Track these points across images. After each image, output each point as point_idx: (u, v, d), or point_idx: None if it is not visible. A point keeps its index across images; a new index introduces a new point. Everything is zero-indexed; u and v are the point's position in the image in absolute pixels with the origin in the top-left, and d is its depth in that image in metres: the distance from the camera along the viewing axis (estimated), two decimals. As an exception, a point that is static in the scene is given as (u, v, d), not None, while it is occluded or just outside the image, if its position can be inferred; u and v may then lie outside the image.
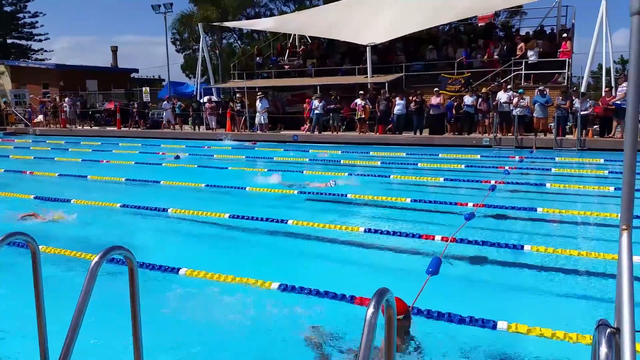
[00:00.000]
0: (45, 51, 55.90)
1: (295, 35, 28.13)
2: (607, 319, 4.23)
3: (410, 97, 18.45)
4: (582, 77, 19.18)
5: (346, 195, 9.21)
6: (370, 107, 19.37)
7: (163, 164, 14.19)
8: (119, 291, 3.76)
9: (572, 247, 6.00)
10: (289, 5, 45.30)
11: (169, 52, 27.85)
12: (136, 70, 40.71)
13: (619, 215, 1.63)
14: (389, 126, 18.94)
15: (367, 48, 21.05)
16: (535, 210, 7.88)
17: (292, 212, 7.95)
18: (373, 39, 21.14)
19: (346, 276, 5.51)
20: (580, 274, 5.37)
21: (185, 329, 4.24)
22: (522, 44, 20.05)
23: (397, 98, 18.51)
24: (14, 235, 3.14)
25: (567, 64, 18.94)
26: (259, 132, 21.09)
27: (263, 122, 21.16)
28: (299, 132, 20.73)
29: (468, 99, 17.78)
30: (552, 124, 16.54)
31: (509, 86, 17.85)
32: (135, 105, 25.45)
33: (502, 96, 17.16)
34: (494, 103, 17.34)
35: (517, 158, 13.98)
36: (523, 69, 18.99)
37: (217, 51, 42.12)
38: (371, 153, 15.33)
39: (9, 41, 53.77)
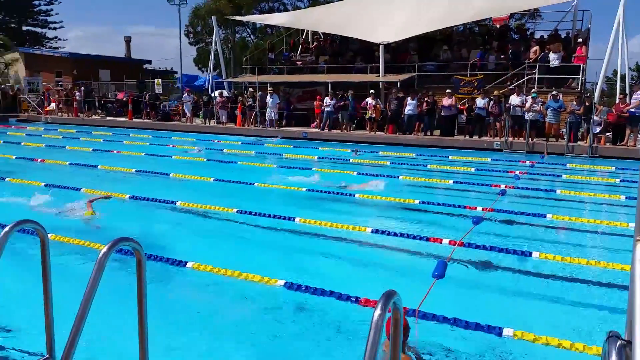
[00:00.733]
0: (60, 39, 56.37)
1: (308, 31, 28.08)
2: (615, 330, 4.19)
3: (422, 98, 18.37)
4: (597, 83, 19.01)
5: (354, 195, 9.19)
6: (381, 106, 19.30)
7: (174, 157, 14.25)
8: (127, 282, 3.80)
9: (581, 256, 5.95)
10: (303, 0, 45.27)
11: (182, 44, 28.12)
12: (149, 62, 40.89)
13: (634, 225, 1.61)
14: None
15: (380, 46, 20.97)
16: (545, 217, 7.83)
17: (299, 211, 7.95)
18: (386, 37, 21.05)
19: (352, 276, 5.51)
20: (589, 284, 5.32)
21: (188, 321, 4.26)
22: (536, 47, 19.87)
23: (409, 98, 18.43)
24: (23, 222, 3.17)
25: (581, 69, 18.76)
26: (269, 127, 21.10)
27: (273, 118, 21.16)
28: (308, 129, 20.72)
29: (480, 102, 17.67)
30: (564, 130, 16.40)
31: (521, 90, 17.71)
32: (147, 97, 25.56)
33: (514, 99, 17.04)
34: (506, 106, 17.22)
35: (527, 163, 13.88)
36: (537, 73, 18.83)
37: (230, 45, 42.22)
38: (380, 153, 15.29)
39: (24, 28, 54.26)
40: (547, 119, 16.69)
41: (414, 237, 6.43)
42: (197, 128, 22.64)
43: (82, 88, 27.40)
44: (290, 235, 6.95)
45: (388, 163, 13.60)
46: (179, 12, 26.59)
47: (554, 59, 18.86)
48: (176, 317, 4.30)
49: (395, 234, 6.59)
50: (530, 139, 16.26)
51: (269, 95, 21.12)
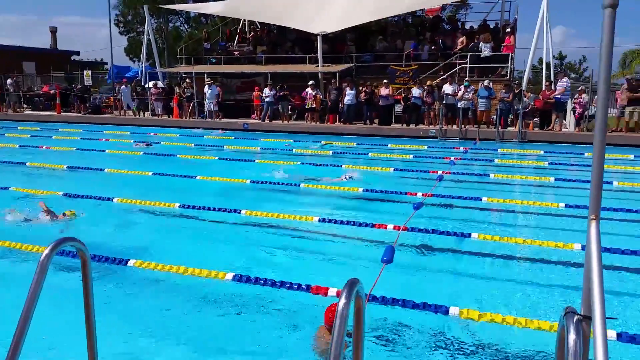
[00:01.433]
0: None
1: (244, 20, 27.67)
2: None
3: (361, 88, 18.64)
4: (524, 71, 19.99)
5: (299, 185, 9.22)
6: (321, 96, 19.40)
7: (107, 151, 13.68)
8: (70, 284, 3.63)
9: (517, 235, 6.29)
10: (238, -10, 44.35)
11: (112, 34, 26.76)
12: (77, 53, 38.97)
13: (589, 204, 1.72)
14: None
15: (318, 37, 21.02)
16: (481, 200, 8.19)
17: (245, 202, 7.88)
18: (324, 28, 21.12)
19: (301, 266, 5.54)
20: (526, 261, 5.65)
21: (134, 321, 4.14)
22: (462, 38, 20.62)
23: (347, 88, 18.64)
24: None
25: (510, 58, 19.66)
26: (208, 119, 20.67)
27: (213, 110, 20.75)
28: (249, 120, 20.50)
29: (415, 91, 18.17)
30: (495, 117, 17.17)
31: (454, 79, 18.36)
32: (76, 89, 24.30)
33: (447, 88, 17.64)
34: (439, 95, 17.79)
35: (461, 149, 14.44)
36: (468, 62, 19.56)
37: (163, 34, 40.88)
38: (323, 142, 15.38)
39: None
40: (478, 107, 17.41)
41: (360, 224, 6.54)
42: (132, 121, 21.81)
43: (9, 81, 25.65)
44: (237, 227, 6.88)
45: (330, 153, 13.72)
46: (108, 1, 25.35)
47: (485, 49, 19.65)
48: (119, 317, 4.16)
49: (342, 222, 6.68)
50: (463, 126, 16.90)
51: (207, 86, 20.67)
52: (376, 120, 18.82)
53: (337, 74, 20.24)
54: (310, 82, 19.37)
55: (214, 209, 7.32)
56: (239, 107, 21.62)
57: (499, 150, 14.47)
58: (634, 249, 5.44)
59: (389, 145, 15.09)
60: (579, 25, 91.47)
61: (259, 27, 27.13)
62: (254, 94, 21.05)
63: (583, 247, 5.33)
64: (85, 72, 27.20)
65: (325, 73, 20.99)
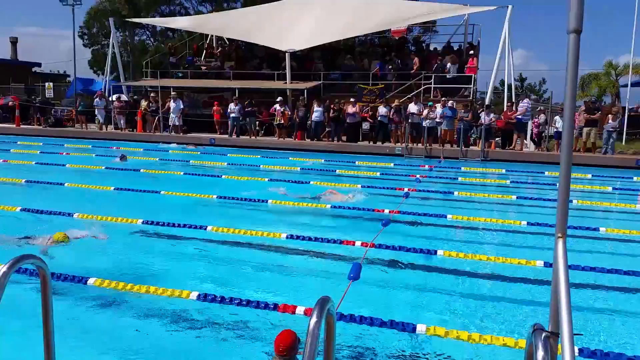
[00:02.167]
0: None
1: (212, 36, 27.59)
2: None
3: (330, 105, 18.80)
4: (486, 92, 20.57)
5: (267, 202, 9.15)
6: (289, 112, 19.44)
7: (67, 165, 13.29)
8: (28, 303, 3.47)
9: (480, 252, 6.40)
10: (205, 5, 44.28)
11: (76, 46, 26.11)
12: (38, 64, 37.99)
13: (556, 223, 1.75)
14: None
15: (287, 54, 21.13)
16: (446, 217, 8.31)
17: (212, 219, 7.76)
18: (292, 45, 21.26)
19: (268, 283, 5.47)
20: (490, 278, 5.74)
21: (95, 342, 3.99)
22: (416, 59, 21.34)
23: (315, 105, 18.77)
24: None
25: (472, 79, 20.22)
26: (173, 133, 20.38)
27: (178, 124, 20.48)
28: (216, 135, 20.31)
29: (382, 109, 18.45)
30: (457, 136, 17.56)
31: (419, 99, 18.74)
32: (36, 102, 23.61)
33: (412, 108, 17.98)
34: (405, 114, 18.11)
35: (427, 167, 14.68)
36: (432, 83, 20.01)
37: (129, 48, 40.31)
38: (290, 159, 15.37)
39: None
40: (441, 126, 17.78)
41: (328, 241, 6.53)
42: (94, 134, 21.30)
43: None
44: (203, 244, 6.76)
45: (298, 169, 13.71)
46: (72, 12, 24.82)
47: (451, 70, 20.19)
48: (79, 334, 4.01)
49: (309, 239, 6.65)
50: (428, 144, 17.20)
51: (172, 101, 20.42)
52: (344, 137, 18.97)
53: (305, 91, 20.35)
54: (279, 99, 19.40)
55: (179, 225, 7.18)
56: (204, 123, 21.39)
57: (462, 168, 14.77)
58: (593, 266, 5.61)
59: (357, 162, 15.20)
60: (539, 48, 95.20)
61: (227, 43, 27.07)
62: (214, 108, 20.83)
63: (546, 264, 5.49)
64: (47, 84, 26.50)
65: (294, 90, 21.08)
